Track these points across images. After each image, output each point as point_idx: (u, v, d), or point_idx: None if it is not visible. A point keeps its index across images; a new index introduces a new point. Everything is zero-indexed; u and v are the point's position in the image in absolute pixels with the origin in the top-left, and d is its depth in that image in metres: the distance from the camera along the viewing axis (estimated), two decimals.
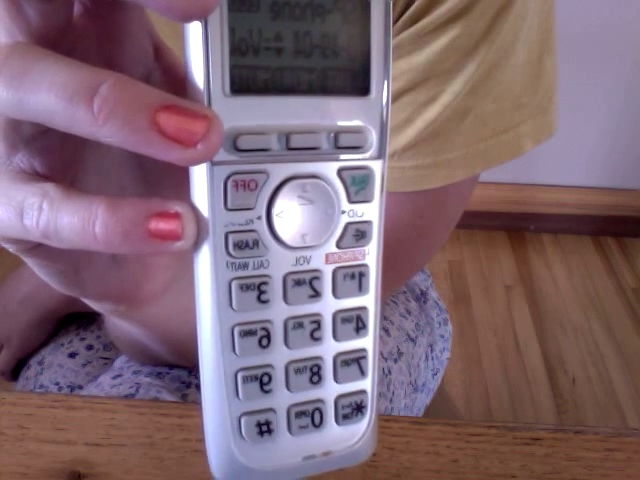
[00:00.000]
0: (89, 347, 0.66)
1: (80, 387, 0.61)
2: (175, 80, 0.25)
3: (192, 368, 0.54)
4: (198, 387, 0.53)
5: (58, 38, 0.20)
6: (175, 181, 0.25)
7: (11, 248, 0.23)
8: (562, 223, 1.96)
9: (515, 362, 1.54)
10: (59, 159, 0.23)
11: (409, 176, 0.44)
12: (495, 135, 0.44)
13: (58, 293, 0.66)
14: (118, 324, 0.45)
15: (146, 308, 0.31)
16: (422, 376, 0.67)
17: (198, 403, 0.23)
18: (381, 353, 0.61)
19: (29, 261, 0.25)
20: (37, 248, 0.23)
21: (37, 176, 0.22)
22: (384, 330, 0.63)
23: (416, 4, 0.39)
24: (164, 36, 0.25)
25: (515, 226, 1.96)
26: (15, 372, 0.70)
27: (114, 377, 0.54)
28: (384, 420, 0.42)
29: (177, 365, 0.54)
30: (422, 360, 0.67)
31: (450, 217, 0.50)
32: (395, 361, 0.62)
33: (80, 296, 0.28)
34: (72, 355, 0.65)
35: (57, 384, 0.62)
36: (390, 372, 0.61)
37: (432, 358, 0.70)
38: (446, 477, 0.39)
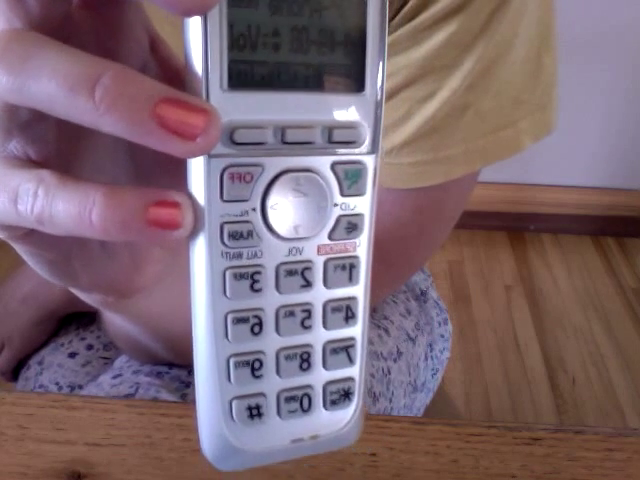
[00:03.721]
0: (89, 347, 0.66)
1: (80, 387, 0.61)
2: (170, 73, 0.25)
3: (191, 367, 0.54)
4: None
5: (56, 28, 0.20)
6: (167, 173, 0.25)
7: (2, 235, 0.23)
8: (562, 223, 1.96)
9: (515, 362, 1.54)
10: (53, 147, 0.23)
11: (408, 172, 0.44)
12: (494, 131, 0.44)
13: (58, 292, 0.67)
14: (113, 321, 0.45)
15: (136, 301, 0.31)
16: (422, 376, 0.67)
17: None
18: (381, 353, 0.61)
19: (19, 249, 0.25)
20: (28, 236, 0.23)
21: (31, 163, 0.22)
22: (384, 330, 0.63)
23: (413, 0, 0.39)
24: (162, 32, 0.25)
25: (515, 226, 1.96)
26: (15, 372, 0.70)
27: (114, 377, 0.54)
28: (384, 420, 0.42)
29: (176, 365, 0.54)
30: (422, 360, 0.67)
31: (450, 214, 0.50)
32: (395, 361, 0.62)
33: (69, 286, 0.28)
34: (72, 355, 0.65)
35: (57, 384, 0.62)
36: (390, 372, 0.61)
37: (432, 358, 0.69)
38: (446, 477, 0.39)
